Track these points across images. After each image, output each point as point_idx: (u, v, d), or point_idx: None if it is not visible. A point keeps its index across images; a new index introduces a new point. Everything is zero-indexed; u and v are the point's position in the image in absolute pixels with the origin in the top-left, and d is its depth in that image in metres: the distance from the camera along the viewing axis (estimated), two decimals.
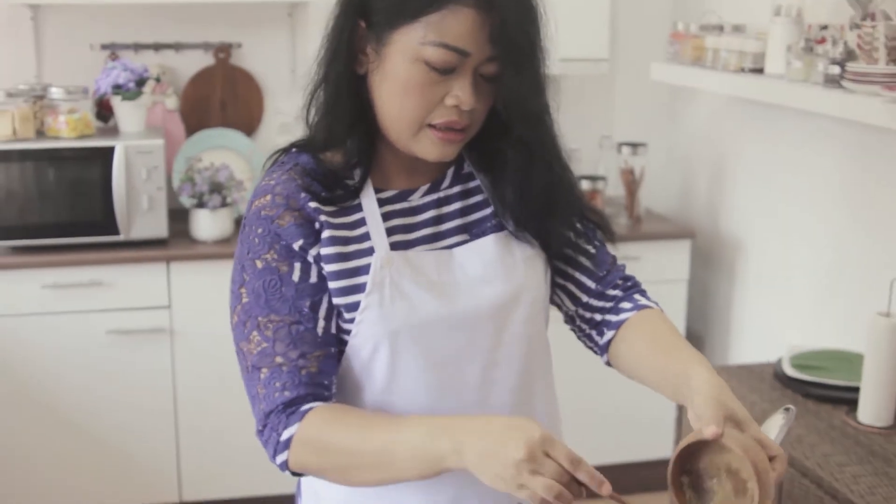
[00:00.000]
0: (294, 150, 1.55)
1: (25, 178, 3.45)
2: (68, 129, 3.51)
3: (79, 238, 3.52)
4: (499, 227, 1.57)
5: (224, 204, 3.66)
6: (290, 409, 1.43)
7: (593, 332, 1.65)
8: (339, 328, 1.50)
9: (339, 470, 1.40)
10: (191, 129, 4.00)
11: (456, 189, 1.58)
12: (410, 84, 1.42)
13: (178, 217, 3.76)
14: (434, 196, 1.56)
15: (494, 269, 1.53)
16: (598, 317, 1.64)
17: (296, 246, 1.46)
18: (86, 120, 3.57)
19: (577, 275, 1.64)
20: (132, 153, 3.50)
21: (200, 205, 3.64)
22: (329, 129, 1.50)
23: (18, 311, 3.47)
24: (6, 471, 3.58)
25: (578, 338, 1.69)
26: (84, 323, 3.51)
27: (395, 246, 1.50)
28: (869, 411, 2.47)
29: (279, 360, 1.44)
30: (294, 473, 1.45)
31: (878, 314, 2.43)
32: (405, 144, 1.48)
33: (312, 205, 1.47)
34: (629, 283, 1.67)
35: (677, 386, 1.45)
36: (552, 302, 1.68)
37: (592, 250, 1.65)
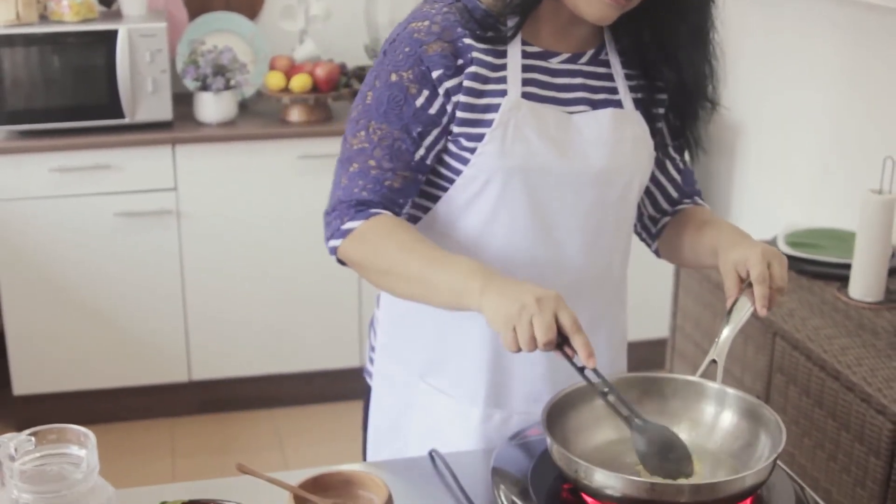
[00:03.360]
0: None
1: (30, 63, 3.50)
2: (71, 13, 3.55)
3: (84, 122, 3.57)
4: (618, 107, 1.67)
5: (228, 87, 3.71)
6: (361, 208, 1.57)
7: (651, 225, 1.82)
8: (440, 161, 1.63)
9: (379, 273, 1.55)
10: (193, 13, 4.03)
11: (591, 68, 1.67)
12: None
13: (183, 100, 3.81)
14: (571, 66, 1.65)
15: (606, 139, 1.64)
16: (665, 219, 1.81)
17: (434, 74, 1.57)
18: (88, 3, 3.60)
19: (665, 182, 1.80)
20: (135, 36, 3.54)
21: (204, 87, 3.70)
22: None
23: (27, 195, 3.54)
24: (18, 353, 3.69)
25: (635, 230, 1.84)
26: (91, 206, 3.59)
27: (525, 95, 1.60)
28: (859, 287, 2.56)
29: (372, 163, 1.57)
30: (339, 261, 1.60)
31: (870, 191, 2.50)
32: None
33: (466, 41, 1.58)
34: (697, 194, 1.84)
35: (713, 252, 1.65)
36: None
37: (682, 166, 1.81)
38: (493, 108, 1.58)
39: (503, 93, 1.59)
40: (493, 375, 1.71)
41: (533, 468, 1.48)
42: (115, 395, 3.81)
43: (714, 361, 1.55)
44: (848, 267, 2.63)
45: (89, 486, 1.20)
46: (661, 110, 1.71)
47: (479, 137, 1.59)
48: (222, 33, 3.94)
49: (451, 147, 1.61)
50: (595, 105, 1.65)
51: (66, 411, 3.72)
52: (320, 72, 3.75)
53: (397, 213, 1.60)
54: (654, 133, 1.71)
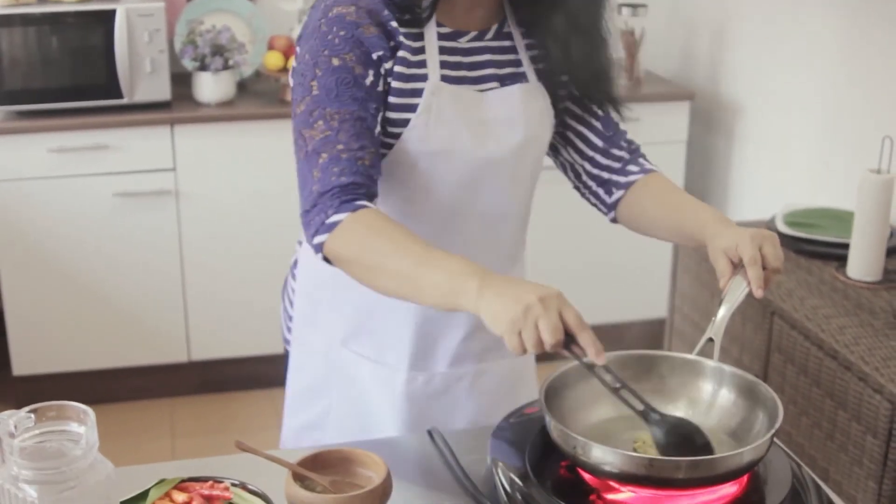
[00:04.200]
0: None
1: (28, 43, 3.49)
2: None
3: (83, 101, 3.57)
4: (523, 82, 1.71)
5: (226, 66, 3.70)
6: (346, 195, 1.53)
7: (601, 191, 1.81)
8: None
9: (368, 270, 1.49)
10: None
11: (496, 43, 1.70)
12: None
13: (181, 80, 3.80)
14: (479, 44, 1.69)
15: (517, 116, 1.69)
16: (605, 175, 1.79)
17: (374, 55, 1.59)
18: None
19: (586, 131, 1.80)
20: (133, 16, 3.53)
21: (203, 67, 3.69)
22: None
23: (25, 176, 3.54)
24: (17, 334, 3.69)
25: (584, 195, 1.85)
26: (90, 186, 3.59)
27: (443, 78, 1.63)
28: (857, 266, 2.57)
29: (340, 147, 1.55)
30: (325, 259, 1.54)
31: (868, 171, 2.51)
32: None
33: (393, 24, 1.60)
34: (633, 146, 1.82)
35: (693, 239, 1.66)
36: (560, 163, 1.85)
37: (601, 112, 1.80)
38: (418, 93, 1.61)
39: (425, 77, 1.62)
40: (418, 341, 1.77)
41: (531, 446, 1.49)
42: (115, 375, 3.82)
43: (711, 340, 1.56)
44: (846, 247, 2.63)
45: (88, 462, 1.21)
46: (565, 77, 1.74)
47: (405, 123, 1.62)
48: (220, 13, 3.93)
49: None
50: (503, 81, 1.69)
51: (65, 391, 3.70)
52: None
53: (376, 193, 1.58)
54: (559, 99, 1.76)
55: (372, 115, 1.59)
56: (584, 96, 1.77)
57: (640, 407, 1.42)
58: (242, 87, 3.93)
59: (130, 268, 3.71)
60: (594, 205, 1.84)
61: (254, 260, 3.78)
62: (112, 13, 3.51)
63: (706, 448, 1.42)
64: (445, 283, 1.41)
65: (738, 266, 1.56)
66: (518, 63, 1.71)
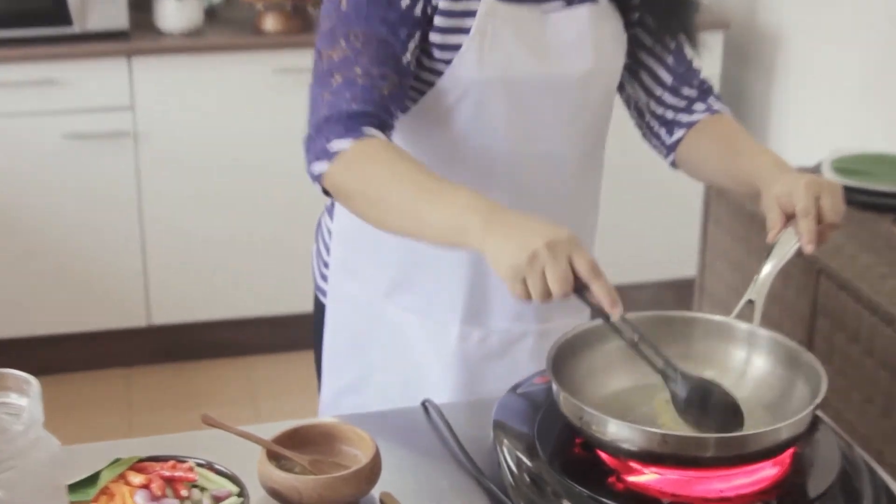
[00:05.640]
0: None
1: None
2: None
3: (26, 30, 3.54)
4: (593, 1, 1.70)
5: None
6: (352, 122, 1.54)
7: (662, 130, 1.83)
8: (420, 66, 1.64)
9: (369, 203, 1.52)
10: None
11: None
12: None
13: (140, 6, 3.77)
14: None
15: (585, 39, 1.68)
16: (670, 114, 1.82)
17: None
18: None
19: (656, 66, 1.81)
20: None
21: None
22: None
23: None
24: None
25: (645, 136, 1.88)
26: (37, 126, 3.57)
27: None
28: None
29: (358, 70, 1.55)
30: (324, 191, 1.56)
31: None
32: None
33: None
34: (705, 86, 1.84)
35: (749, 186, 1.67)
36: (624, 97, 1.87)
37: (673, 46, 1.80)
38: (471, 14, 1.61)
39: None
40: (472, 291, 1.76)
41: (540, 421, 1.48)
42: (64, 342, 3.82)
43: (751, 301, 1.55)
44: None
45: (31, 439, 1.20)
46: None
47: (456, 47, 1.62)
48: None
49: (423, 58, 1.63)
50: (569, 0, 1.68)
51: (6, 360, 3.71)
52: None
53: (391, 126, 1.59)
54: (629, 25, 1.76)
55: (402, 42, 1.58)
56: (659, 25, 1.77)
57: (660, 364, 1.43)
58: (212, 14, 3.91)
59: (82, 219, 3.70)
60: (654, 146, 1.86)
61: (223, 211, 3.78)
62: None
63: (735, 411, 1.42)
64: (450, 219, 1.42)
65: (791, 218, 1.56)
66: None
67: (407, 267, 1.78)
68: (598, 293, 1.36)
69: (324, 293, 1.92)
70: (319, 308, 1.94)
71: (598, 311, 1.39)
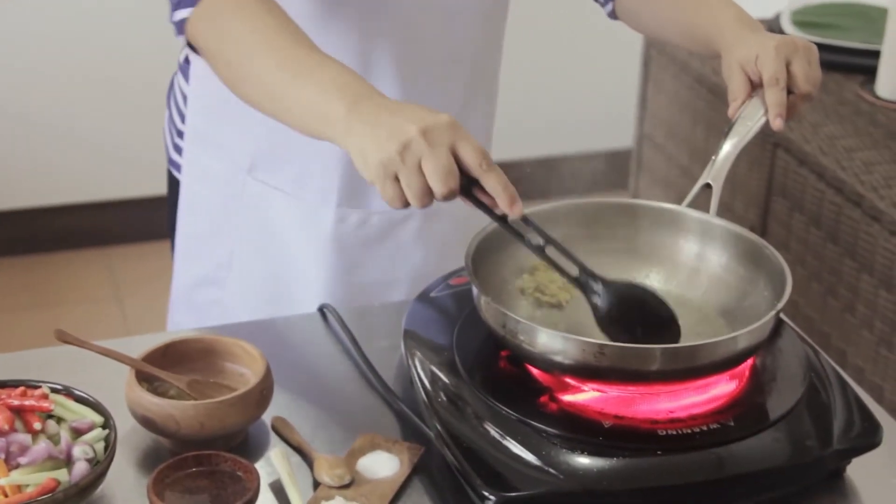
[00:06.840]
0: None
1: None
2: None
3: None
4: None
5: None
6: None
7: None
8: None
9: (228, 68, 1.46)
10: None
11: None
12: None
13: None
14: None
15: None
16: None
17: None
18: None
19: None
20: None
21: None
22: None
23: None
24: None
25: None
26: None
27: None
28: (891, 82, 2.58)
29: None
30: (189, 46, 1.51)
31: None
32: None
33: None
34: None
35: (707, 46, 1.67)
36: None
37: None
38: None
39: None
40: (350, 166, 1.66)
41: (458, 331, 1.48)
42: None
43: (708, 185, 1.56)
44: (876, 55, 2.64)
45: None
46: None
47: None
48: None
49: None
50: None
51: None
52: None
53: None
54: None
55: None
56: None
57: (574, 272, 1.39)
58: None
59: None
60: None
61: (70, 74, 3.74)
62: None
63: (669, 325, 1.42)
64: (311, 103, 1.36)
65: (756, 86, 1.56)
66: None
67: (274, 136, 1.74)
68: (492, 189, 1.27)
69: (178, 168, 1.89)
70: (174, 185, 1.92)
71: (490, 213, 1.31)
